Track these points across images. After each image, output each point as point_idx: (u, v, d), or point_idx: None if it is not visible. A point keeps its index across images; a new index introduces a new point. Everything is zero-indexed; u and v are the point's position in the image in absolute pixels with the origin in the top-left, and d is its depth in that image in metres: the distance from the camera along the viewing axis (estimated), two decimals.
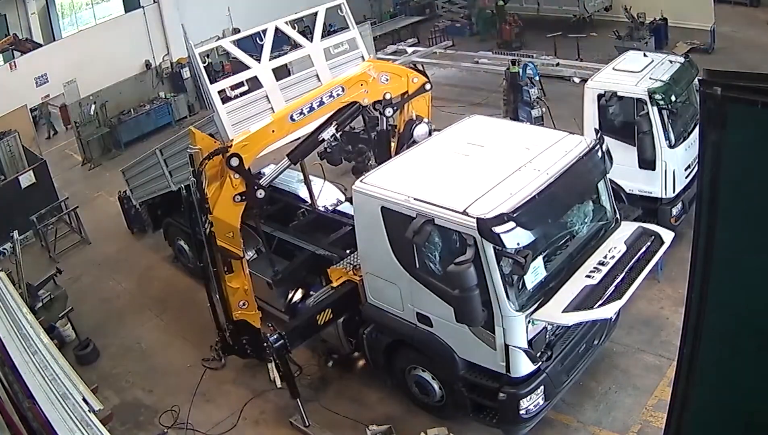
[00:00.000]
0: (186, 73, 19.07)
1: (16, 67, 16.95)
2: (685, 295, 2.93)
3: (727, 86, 2.31)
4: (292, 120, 7.51)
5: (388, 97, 8.05)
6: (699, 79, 2.59)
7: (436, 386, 7.63)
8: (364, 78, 7.86)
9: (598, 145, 7.29)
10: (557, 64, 17.19)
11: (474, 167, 7.14)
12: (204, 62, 19.85)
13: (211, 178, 7.45)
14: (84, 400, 6.34)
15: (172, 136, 14.34)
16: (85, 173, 17.40)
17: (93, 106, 17.57)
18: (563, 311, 6.44)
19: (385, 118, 8.32)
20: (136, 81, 19.16)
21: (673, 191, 9.63)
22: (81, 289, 11.86)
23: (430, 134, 8.50)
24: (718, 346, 2.85)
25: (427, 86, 8.48)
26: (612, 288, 6.59)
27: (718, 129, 2.41)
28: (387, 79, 8.01)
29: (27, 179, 13.80)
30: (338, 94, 7.73)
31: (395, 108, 8.17)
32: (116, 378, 9.60)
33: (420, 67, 9.04)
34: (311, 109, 7.62)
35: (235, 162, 7.35)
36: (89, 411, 6.09)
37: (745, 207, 2.49)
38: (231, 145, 7.41)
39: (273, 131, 7.55)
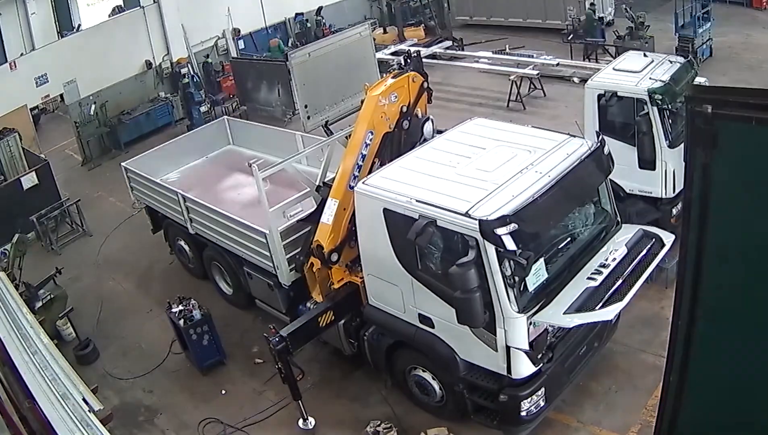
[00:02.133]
0: (185, 77, 19.03)
1: (16, 67, 16.88)
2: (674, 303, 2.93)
3: (719, 103, 2.14)
4: (351, 188, 7.65)
5: (404, 110, 8.16)
6: (686, 96, 2.45)
7: (436, 386, 7.66)
8: (381, 111, 7.95)
9: (600, 148, 7.30)
10: (557, 64, 17.17)
11: (476, 169, 7.12)
12: (203, 62, 20.04)
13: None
14: (84, 400, 6.36)
15: (172, 137, 14.36)
16: (85, 173, 17.39)
17: (93, 106, 17.53)
18: (564, 313, 6.46)
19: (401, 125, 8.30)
20: (136, 81, 19.11)
21: (673, 191, 9.62)
22: (81, 289, 11.87)
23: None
24: (708, 352, 2.85)
25: (425, 84, 8.49)
26: (613, 290, 6.62)
27: (709, 149, 2.28)
28: (396, 97, 8.07)
29: (29, 180, 13.68)
30: (371, 140, 7.91)
31: (410, 118, 8.26)
32: (116, 378, 9.63)
33: (413, 53, 8.85)
34: (359, 167, 7.87)
35: (335, 257, 7.83)
36: (89, 411, 6.11)
37: (735, 222, 2.44)
38: (320, 244, 7.78)
39: (344, 209, 7.78)
